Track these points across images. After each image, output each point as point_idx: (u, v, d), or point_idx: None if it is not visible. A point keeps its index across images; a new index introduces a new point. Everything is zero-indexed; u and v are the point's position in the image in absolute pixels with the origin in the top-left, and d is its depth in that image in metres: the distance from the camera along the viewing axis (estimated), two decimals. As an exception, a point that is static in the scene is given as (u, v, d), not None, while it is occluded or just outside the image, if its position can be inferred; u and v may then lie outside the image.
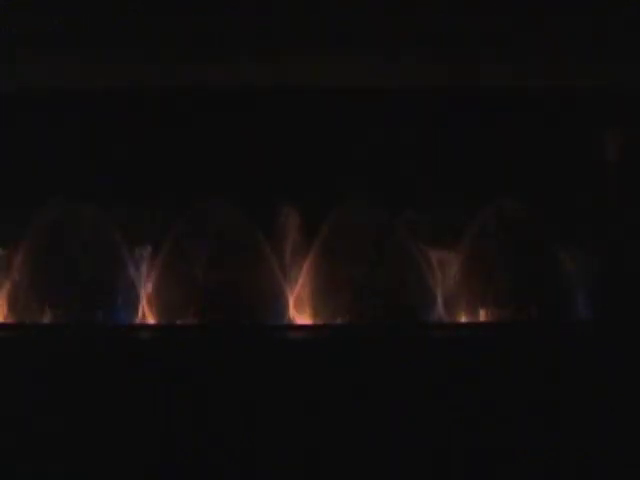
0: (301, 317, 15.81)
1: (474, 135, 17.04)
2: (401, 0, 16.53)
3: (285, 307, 15.80)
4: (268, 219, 16.10)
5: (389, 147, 17.17)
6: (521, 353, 12.03)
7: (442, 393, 10.52)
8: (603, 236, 16.41)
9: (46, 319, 15.67)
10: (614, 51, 16.59)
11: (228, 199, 16.06)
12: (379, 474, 8.60)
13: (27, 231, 15.93)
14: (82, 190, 16.10)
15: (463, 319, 15.87)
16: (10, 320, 15.86)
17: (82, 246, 15.98)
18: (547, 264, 16.06)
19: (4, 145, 17.12)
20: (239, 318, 15.36)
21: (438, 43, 16.71)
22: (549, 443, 9.18)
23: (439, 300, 15.89)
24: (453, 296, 15.92)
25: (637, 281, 15.86)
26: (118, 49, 16.77)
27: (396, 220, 16.10)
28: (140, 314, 15.89)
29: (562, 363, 11.51)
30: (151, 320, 15.88)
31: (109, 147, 16.96)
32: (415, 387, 10.62)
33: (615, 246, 16.35)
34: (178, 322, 15.75)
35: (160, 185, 16.88)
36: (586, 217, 16.59)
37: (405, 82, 17.02)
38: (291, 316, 15.76)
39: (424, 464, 8.82)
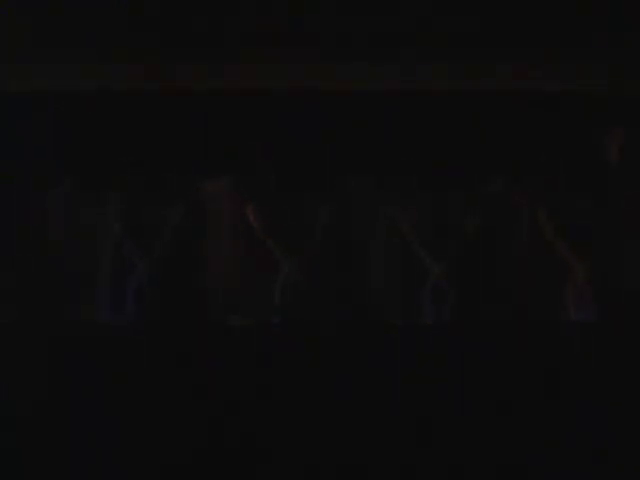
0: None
1: (474, 135, 17.14)
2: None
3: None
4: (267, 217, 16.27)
5: (388, 148, 17.26)
6: (519, 353, 12.05)
7: (437, 393, 10.53)
8: (603, 236, 16.47)
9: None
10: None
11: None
12: (372, 470, 8.62)
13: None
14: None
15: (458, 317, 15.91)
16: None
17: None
18: (548, 265, 16.13)
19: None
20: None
21: (439, 44, 16.85)
22: (548, 443, 9.18)
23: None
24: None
25: (637, 281, 15.90)
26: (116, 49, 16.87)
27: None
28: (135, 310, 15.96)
29: (561, 363, 11.52)
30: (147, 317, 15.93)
31: (107, 148, 17.01)
32: (409, 385, 10.64)
33: (615, 246, 16.41)
34: (176, 320, 15.76)
35: (156, 185, 16.98)
36: (586, 217, 16.66)
37: (404, 84, 17.15)
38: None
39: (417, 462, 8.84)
